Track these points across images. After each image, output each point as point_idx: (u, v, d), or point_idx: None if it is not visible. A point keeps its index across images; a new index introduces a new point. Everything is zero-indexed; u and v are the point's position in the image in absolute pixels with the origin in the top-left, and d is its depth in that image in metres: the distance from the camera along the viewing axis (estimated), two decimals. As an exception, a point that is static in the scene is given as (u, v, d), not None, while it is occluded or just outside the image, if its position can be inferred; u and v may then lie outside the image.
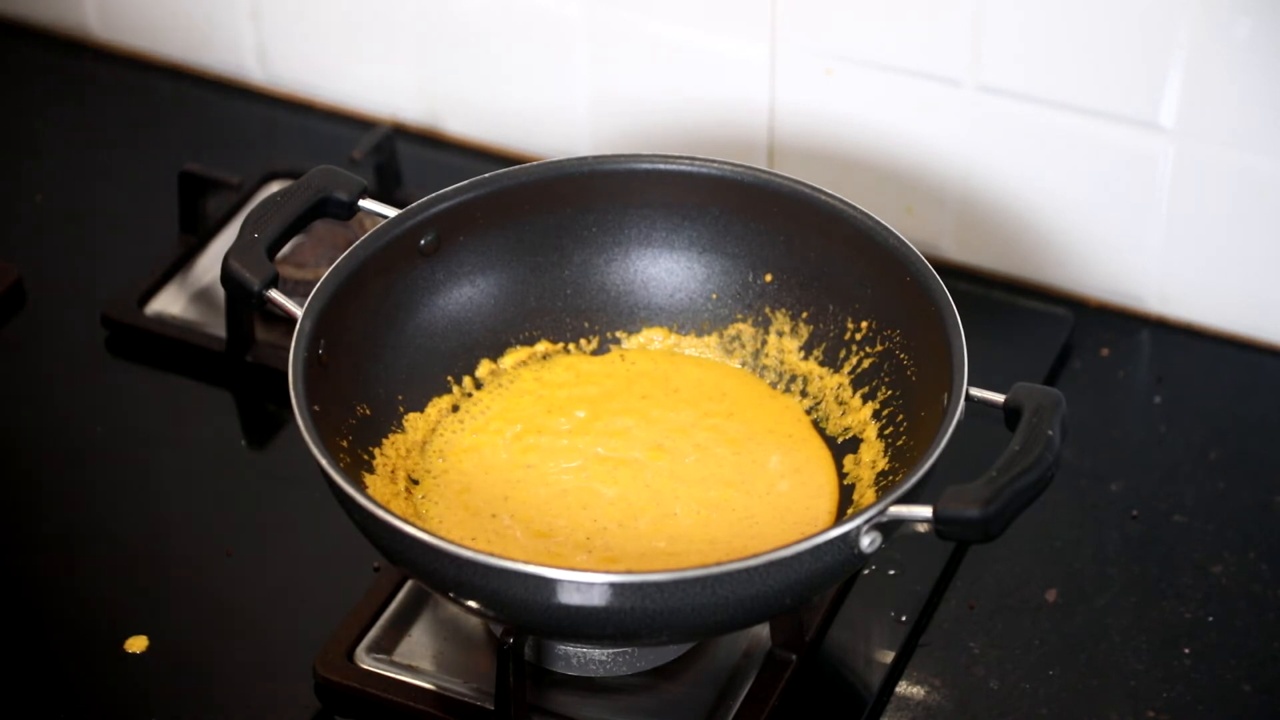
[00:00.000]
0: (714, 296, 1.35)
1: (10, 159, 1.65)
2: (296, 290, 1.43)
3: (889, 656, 1.26)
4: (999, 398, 1.17)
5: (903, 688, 1.25)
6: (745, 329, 1.35)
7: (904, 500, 1.11)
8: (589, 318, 1.35)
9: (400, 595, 1.28)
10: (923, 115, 1.47)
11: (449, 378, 1.32)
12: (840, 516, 1.25)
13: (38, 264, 1.53)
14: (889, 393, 1.27)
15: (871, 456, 1.26)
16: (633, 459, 1.28)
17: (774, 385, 1.33)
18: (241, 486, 1.38)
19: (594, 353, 1.35)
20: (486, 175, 1.31)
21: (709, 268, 1.35)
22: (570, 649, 1.22)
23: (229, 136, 1.66)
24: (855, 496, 1.25)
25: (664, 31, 1.53)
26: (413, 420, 1.29)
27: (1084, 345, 1.47)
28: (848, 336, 1.31)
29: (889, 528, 1.12)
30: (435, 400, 1.31)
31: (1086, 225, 1.47)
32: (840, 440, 1.29)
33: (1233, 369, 1.45)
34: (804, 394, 1.32)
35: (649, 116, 1.57)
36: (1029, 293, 1.51)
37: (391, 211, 1.29)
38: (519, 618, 1.14)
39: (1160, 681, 1.25)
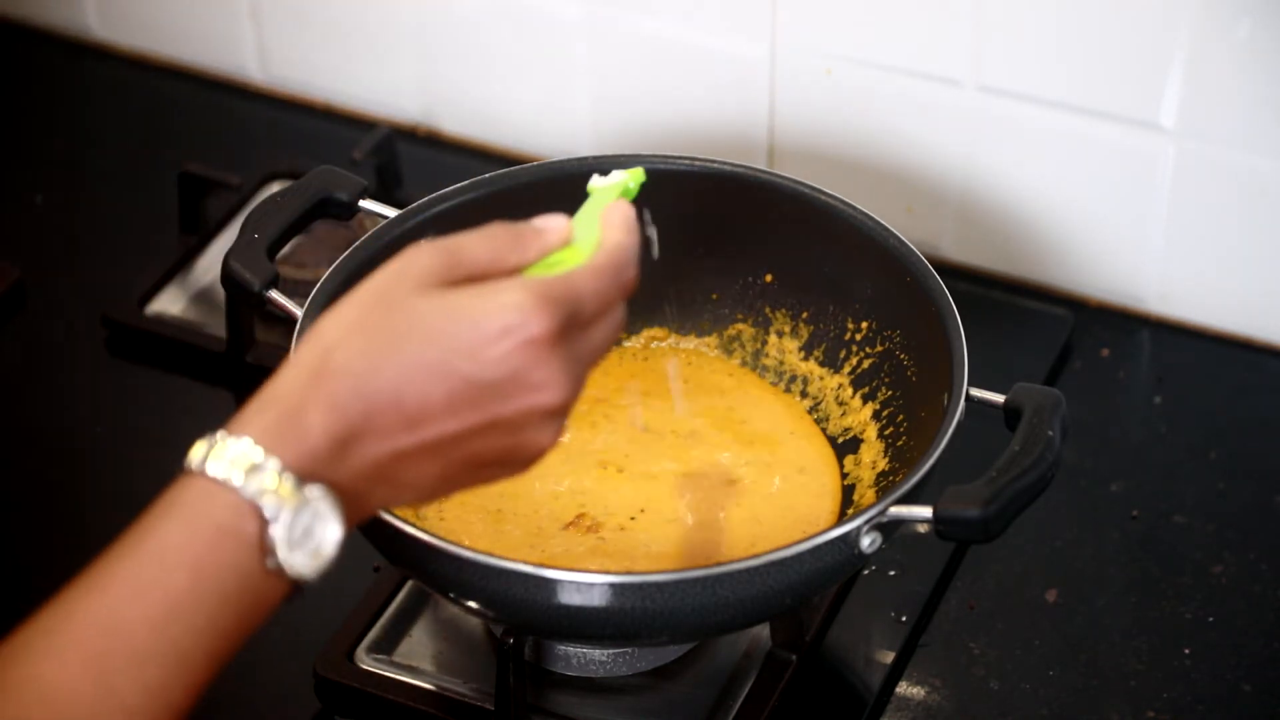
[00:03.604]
0: (714, 296, 1.35)
1: (10, 159, 1.65)
2: (296, 290, 1.43)
3: (889, 656, 1.26)
4: (999, 398, 1.17)
5: (903, 688, 1.25)
6: (745, 329, 1.35)
7: (904, 500, 1.11)
8: (589, 318, 1.35)
9: (400, 595, 1.28)
10: (923, 115, 1.47)
11: (449, 378, 1.32)
12: (842, 516, 1.25)
13: (38, 264, 1.53)
14: (889, 393, 1.27)
15: (872, 457, 1.26)
16: (633, 459, 1.28)
17: (774, 385, 1.33)
18: (241, 486, 1.38)
19: (594, 353, 1.35)
20: (486, 175, 1.31)
21: (709, 268, 1.35)
22: (570, 649, 1.22)
23: (229, 136, 1.66)
24: (855, 497, 1.25)
25: (664, 31, 1.53)
26: (413, 420, 1.29)
27: (1084, 345, 1.47)
28: (848, 337, 1.31)
29: (889, 528, 1.12)
30: (435, 400, 1.31)
31: (1086, 225, 1.47)
32: (840, 440, 1.29)
33: (1233, 369, 1.45)
34: (804, 394, 1.32)
35: (649, 116, 1.57)
36: (1029, 293, 1.51)
37: (392, 212, 1.29)
38: (519, 618, 1.13)
39: (1160, 681, 1.25)
